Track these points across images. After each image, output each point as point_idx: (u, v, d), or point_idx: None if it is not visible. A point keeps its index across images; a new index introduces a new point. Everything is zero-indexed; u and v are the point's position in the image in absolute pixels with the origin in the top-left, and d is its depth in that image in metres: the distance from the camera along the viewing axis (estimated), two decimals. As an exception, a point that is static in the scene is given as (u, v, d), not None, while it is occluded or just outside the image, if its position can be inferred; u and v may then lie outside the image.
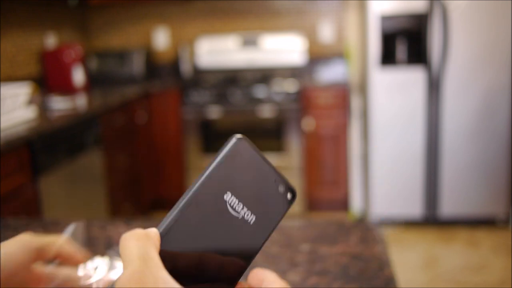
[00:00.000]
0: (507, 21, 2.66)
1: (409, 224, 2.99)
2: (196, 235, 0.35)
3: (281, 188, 0.38)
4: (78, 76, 3.13)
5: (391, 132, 2.88)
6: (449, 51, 2.72)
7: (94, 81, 3.39)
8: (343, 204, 3.22)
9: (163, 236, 0.34)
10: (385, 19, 2.80)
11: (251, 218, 0.37)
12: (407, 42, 2.88)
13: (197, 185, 0.36)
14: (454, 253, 2.64)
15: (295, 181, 3.11)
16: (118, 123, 2.80)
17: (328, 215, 3.20)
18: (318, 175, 3.17)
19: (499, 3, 2.65)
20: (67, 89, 3.06)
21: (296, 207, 3.12)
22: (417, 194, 2.92)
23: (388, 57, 2.86)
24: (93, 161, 2.48)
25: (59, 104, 2.54)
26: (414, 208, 2.93)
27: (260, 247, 0.37)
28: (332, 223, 0.87)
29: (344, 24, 3.50)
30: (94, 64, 3.51)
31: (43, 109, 2.44)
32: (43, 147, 2.04)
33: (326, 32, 3.52)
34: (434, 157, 2.86)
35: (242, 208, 0.37)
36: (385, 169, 2.92)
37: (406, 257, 2.61)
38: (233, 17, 3.63)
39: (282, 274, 0.70)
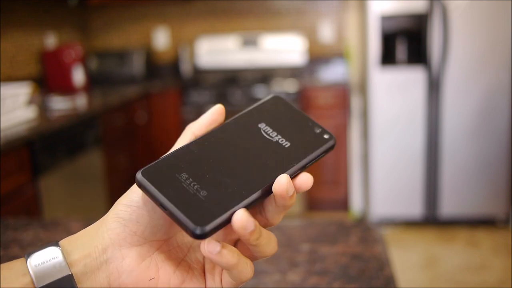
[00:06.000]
0: (507, 21, 2.66)
1: (409, 224, 2.99)
2: (231, 148, 0.36)
3: (317, 130, 0.39)
4: (78, 76, 3.13)
5: (391, 132, 2.88)
6: (449, 51, 2.72)
7: (94, 81, 3.39)
8: (343, 204, 3.22)
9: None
10: (385, 19, 2.80)
11: (285, 143, 0.37)
12: (407, 42, 2.88)
13: (234, 117, 0.37)
14: (454, 253, 2.64)
15: (295, 181, 3.10)
16: (118, 123, 2.80)
17: (328, 215, 3.20)
18: (318, 175, 3.17)
19: (499, 3, 2.65)
20: (67, 89, 3.06)
21: (296, 207, 3.12)
22: (417, 194, 2.92)
23: (388, 57, 2.86)
24: (93, 161, 2.48)
25: (59, 104, 2.54)
26: (414, 208, 2.93)
27: (294, 167, 0.36)
28: (332, 223, 0.87)
29: (344, 24, 3.50)
30: (94, 64, 3.51)
31: (43, 109, 2.44)
32: (43, 147, 2.04)
33: (326, 32, 3.52)
34: (434, 157, 2.86)
35: (277, 135, 0.38)
36: (385, 169, 2.92)
37: (406, 257, 2.61)
38: (233, 17, 3.63)
39: (282, 274, 0.71)
